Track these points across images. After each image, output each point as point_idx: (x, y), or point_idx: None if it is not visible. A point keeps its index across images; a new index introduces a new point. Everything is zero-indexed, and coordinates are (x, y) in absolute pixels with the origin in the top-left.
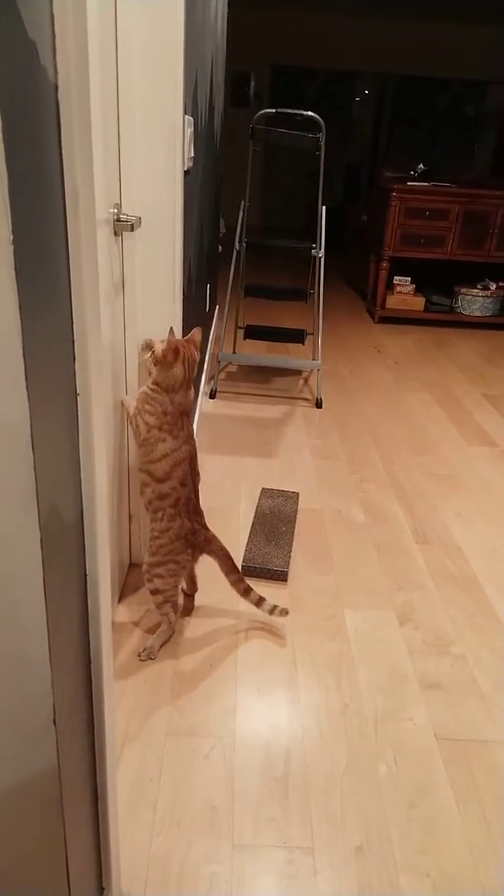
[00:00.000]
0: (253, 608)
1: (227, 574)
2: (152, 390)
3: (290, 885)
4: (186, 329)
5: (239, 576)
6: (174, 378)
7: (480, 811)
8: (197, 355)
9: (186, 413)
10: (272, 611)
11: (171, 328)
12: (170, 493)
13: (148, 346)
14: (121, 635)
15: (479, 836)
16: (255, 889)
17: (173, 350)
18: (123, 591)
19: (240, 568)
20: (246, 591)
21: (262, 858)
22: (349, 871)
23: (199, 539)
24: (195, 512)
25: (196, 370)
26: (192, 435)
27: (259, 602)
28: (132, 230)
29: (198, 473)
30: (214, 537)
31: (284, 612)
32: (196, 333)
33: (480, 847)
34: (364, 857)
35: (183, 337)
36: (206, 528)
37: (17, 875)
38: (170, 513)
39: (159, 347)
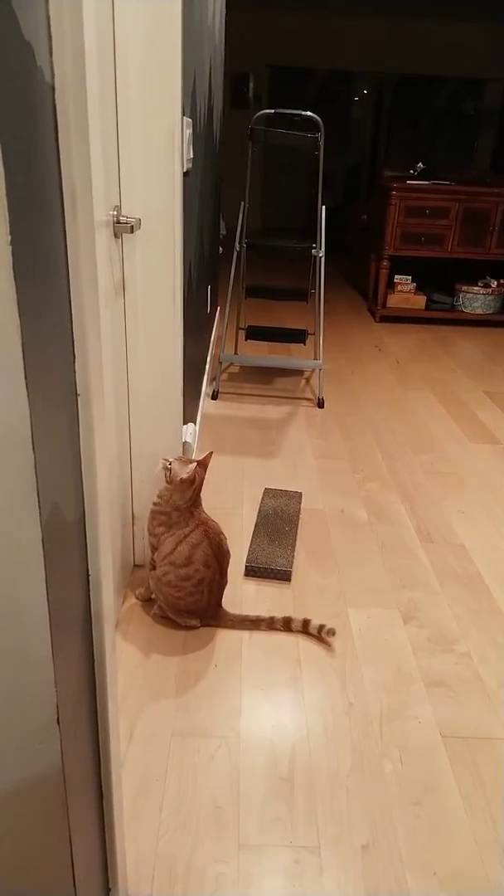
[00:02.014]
0: (303, 634)
1: (258, 629)
2: (157, 506)
3: (296, 884)
4: (187, 327)
5: (267, 620)
6: (183, 498)
7: (487, 808)
8: (204, 476)
9: (195, 507)
10: (319, 631)
11: (188, 458)
12: (192, 574)
13: (167, 467)
14: (125, 635)
15: (485, 833)
16: (261, 889)
17: (191, 479)
18: (127, 592)
19: (243, 568)
20: (287, 625)
21: (268, 858)
22: (356, 870)
23: (207, 614)
24: (218, 589)
25: (201, 490)
26: (206, 519)
27: (305, 626)
28: (132, 232)
29: (227, 553)
30: (226, 612)
31: (332, 633)
32: (208, 457)
33: (487, 844)
34: (370, 855)
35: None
36: (220, 605)
37: (23, 876)
38: (189, 590)
39: (178, 469)
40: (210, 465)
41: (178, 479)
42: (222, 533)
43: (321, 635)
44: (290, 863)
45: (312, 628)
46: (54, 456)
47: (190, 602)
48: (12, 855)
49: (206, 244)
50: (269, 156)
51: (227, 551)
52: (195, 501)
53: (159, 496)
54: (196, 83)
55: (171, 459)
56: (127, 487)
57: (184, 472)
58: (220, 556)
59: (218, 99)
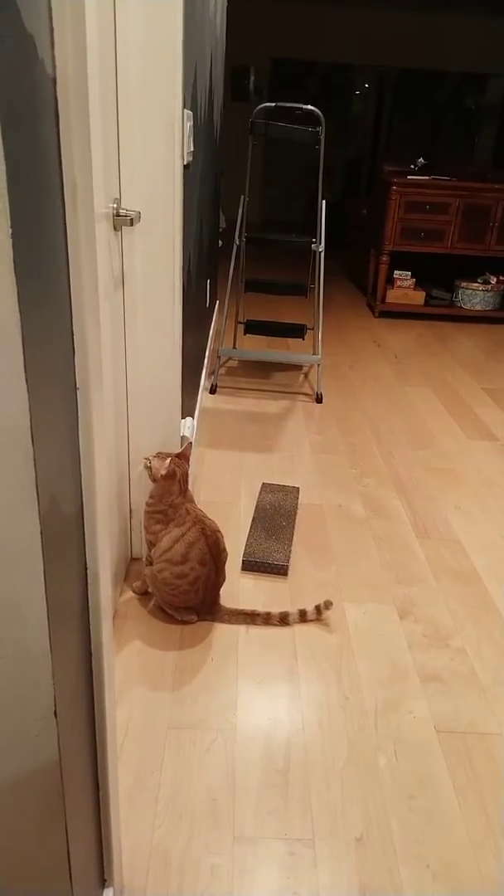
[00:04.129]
0: (301, 624)
1: (254, 623)
2: (150, 505)
3: (290, 876)
4: (186, 321)
5: (263, 615)
6: (171, 493)
7: (480, 802)
8: (188, 468)
9: (188, 501)
10: (318, 611)
11: (162, 453)
12: (188, 572)
13: (147, 465)
14: (122, 629)
15: (478, 827)
16: (256, 880)
17: (170, 473)
18: (124, 585)
19: (240, 562)
20: (283, 620)
21: (262, 850)
22: (349, 863)
23: (203, 608)
24: (214, 587)
25: (188, 481)
26: (203, 517)
27: (302, 616)
28: (132, 225)
29: (224, 551)
30: (222, 607)
31: (329, 605)
32: (188, 448)
33: (480, 838)
34: (364, 848)
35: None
36: (216, 602)
37: (19, 868)
38: (184, 588)
39: (157, 466)
40: (208, 459)
41: (159, 475)
42: (219, 531)
43: (319, 615)
44: (285, 855)
45: (310, 615)
46: (53, 449)
47: (185, 599)
48: (8, 846)
49: (206, 238)
50: (269, 149)
51: (224, 549)
52: (185, 495)
53: (150, 496)
54: (197, 76)
55: (150, 458)
56: (125, 481)
57: (161, 468)
58: (216, 554)
59: (219, 92)
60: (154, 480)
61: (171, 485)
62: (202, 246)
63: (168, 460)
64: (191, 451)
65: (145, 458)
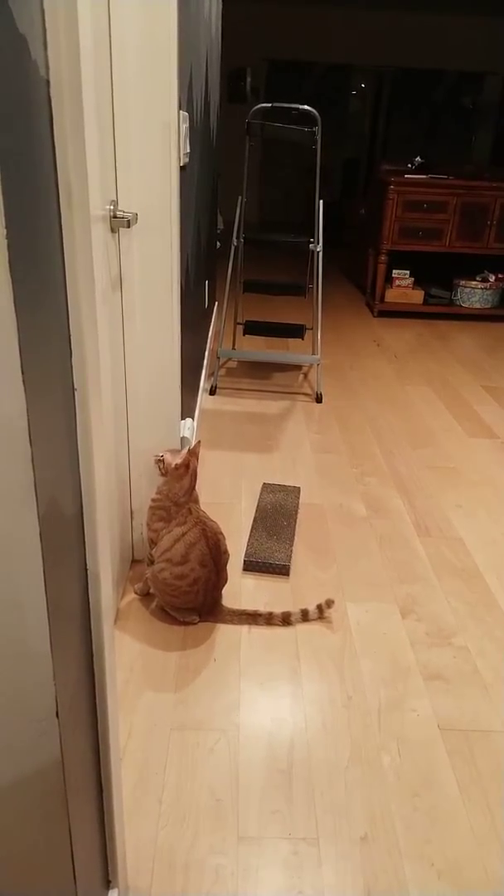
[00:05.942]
0: (304, 623)
1: (256, 624)
2: (155, 501)
3: (295, 876)
4: (185, 322)
5: (265, 615)
6: (182, 488)
7: (484, 800)
8: (197, 464)
9: (192, 501)
10: (320, 611)
11: (185, 443)
12: (188, 573)
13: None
14: (124, 630)
15: (483, 824)
16: (260, 880)
17: (185, 465)
18: (126, 586)
19: (242, 563)
20: (286, 620)
21: (267, 850)
22: (354, 862)
23: (204, 609)
24: (214, 588)
25: (197, 478)
26: (204, 518)
27: (305, 615)
28: (129, 227)
29: (225, 552)
30: (224, 607)
31: (331, 604)
32: (197, 445)
33: (484, 835)
34: (369, 847)
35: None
36: (218, 603)
37: (23, 869)
38: (184, 589)
39: (170, 459)
40: (208, 460)
41: (173, 465)
42: (221, 532)
43: (321, 615)
44: (289, 854)
45: (312, 615)
46: (52, 450)
47: (186, 600)
48: (12, 848)
49: (204, 239)
50: (266, 150)
51: (226, 551)
52: (192, 496)
53: (158, 491)
54: (193, 77)
55: (161, 453)
56: (125, 482)
57: (177, 458)
58: (217, 555)
59: (215, 93)
60: (165, 474)
61: (182, 477)
62: (200, 247)
63: (184, 451)
64: (199, 449)
65: (156, 455)
